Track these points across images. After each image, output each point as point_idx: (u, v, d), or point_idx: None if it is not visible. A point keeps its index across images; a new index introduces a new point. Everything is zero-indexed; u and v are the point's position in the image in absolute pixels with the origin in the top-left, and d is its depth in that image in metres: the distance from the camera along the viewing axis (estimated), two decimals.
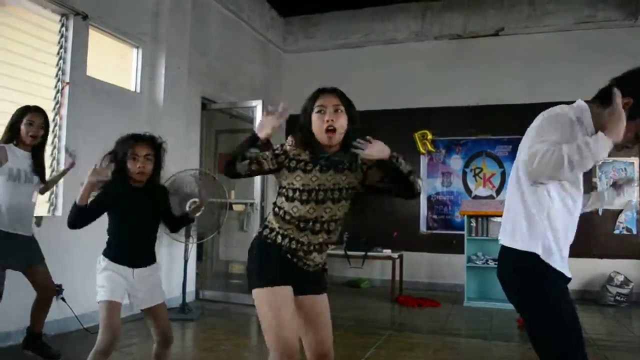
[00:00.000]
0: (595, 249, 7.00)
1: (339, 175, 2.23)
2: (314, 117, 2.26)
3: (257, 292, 2.20)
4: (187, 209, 5.21)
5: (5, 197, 3.38)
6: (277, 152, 2.28)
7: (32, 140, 3.50)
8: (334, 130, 2.21)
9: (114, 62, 5.38)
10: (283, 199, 2.26)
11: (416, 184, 2.23)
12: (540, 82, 7.27)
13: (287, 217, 2.23)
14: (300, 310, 2.26)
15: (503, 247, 2.08)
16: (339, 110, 2.25)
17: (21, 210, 3.47)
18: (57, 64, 4.57)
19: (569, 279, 1.99)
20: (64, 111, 4.56)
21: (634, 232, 6.94)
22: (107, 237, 2.77)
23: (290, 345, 2.10)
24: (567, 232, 1.99)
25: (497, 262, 2.15)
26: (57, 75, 4.57)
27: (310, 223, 2.21)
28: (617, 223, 7.00)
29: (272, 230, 2.26)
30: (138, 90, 5.53)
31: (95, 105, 4.90)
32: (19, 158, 3.45)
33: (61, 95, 4.57)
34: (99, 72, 5.01)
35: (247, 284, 2.29)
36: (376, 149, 2.10)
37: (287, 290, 2.18)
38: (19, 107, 3.58)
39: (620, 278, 6.56)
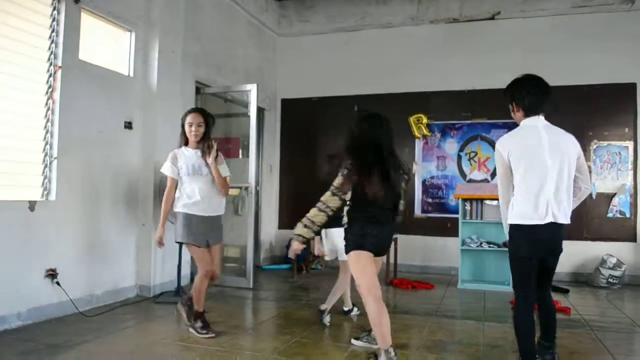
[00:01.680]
0: (589, 231, 7.06)
1: None
2: None
3: None
4: None
5: (186, 188, 4.04)
6: None
7: (195, 138, 4.04)
8: None
9: (108, 46, 5.34)
10: None
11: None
12: (536, 67, 7.19)
13: None
14: None
15: (562, 225, 2.98)
16: None
17: (200, 197, 4.02)
18: (49, 48, 4.53)
19: None
20: (56, 95, 4.53)
21: (628, 215, 6.98)
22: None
23: None
24: None
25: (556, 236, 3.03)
26: (49, 59, 4.53)
27: None
28: (611, 206, 7.04)
29: None
30: (131, 74, 5.49)
31: (88, 89, 4.87)
32: (187, 156, 4.04)
33: (53, 79, 4.54)
34: (92, 56, 4.97)
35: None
36: None
37: None
38: None
39: (613, 260, 6.61)
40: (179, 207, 4.06)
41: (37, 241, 4.31)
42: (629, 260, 6.78)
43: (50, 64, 4.53)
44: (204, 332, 4.00)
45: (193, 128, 4.03)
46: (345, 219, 3.37)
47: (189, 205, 4.02)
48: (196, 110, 4.17)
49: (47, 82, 4.52)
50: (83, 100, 4.78)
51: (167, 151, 5.51)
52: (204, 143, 4.06)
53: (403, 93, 7.79)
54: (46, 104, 4.50)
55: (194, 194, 4.02)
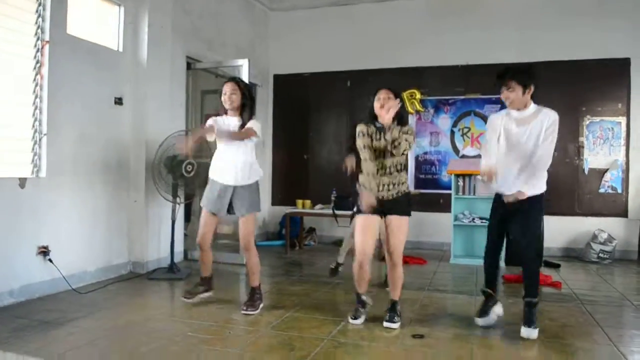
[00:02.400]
0: (581, 207, 7.10)
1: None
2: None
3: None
4: (183, 171, 5.17)
5: (216, 153, 4.16)
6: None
7: (230, 106, 4.09)
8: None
9: (96, 20, 5.24)
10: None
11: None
12: (530, 41, 7.20)
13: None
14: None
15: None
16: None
17: (222, 163, 4.10)
18: (36, 22, 4.43)
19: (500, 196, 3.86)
20: (44, 70, 4.46)
21: (619, 190, 7.02)
22: None
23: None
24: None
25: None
26: (36, 34, 4.44)
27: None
28: (603, 182, 7.07)
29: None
30: (121, 49, 5.40)
31: (77, 64, 4.80)
32: (223, 124, 4.10)
33: (41, 55, 4.46)
34: (80, 31, 4.88)
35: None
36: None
37: None
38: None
39: (604, 236, 6.67)
40: (209, 172, 4.23)
41: (28, 218, 4.28)
42: (620, 236, 6.84)
43: (38, 39, 4.45)
44: (185, 293, 4.29)
45: (226, 96, 4.09)
46: (407, 183, 3.85)
47: (213, 170, 4.16)
48: (230, 79, 4.22)
49: (35, 57, 4.44)
50: (72, 75, 4.71)
51: (158, 127, 5.51)
52: (244, 115, 4.11)
53: (396, 68, 7.73)
54: (34, 79, 4.43)
55: (218, 159, 4.13)
